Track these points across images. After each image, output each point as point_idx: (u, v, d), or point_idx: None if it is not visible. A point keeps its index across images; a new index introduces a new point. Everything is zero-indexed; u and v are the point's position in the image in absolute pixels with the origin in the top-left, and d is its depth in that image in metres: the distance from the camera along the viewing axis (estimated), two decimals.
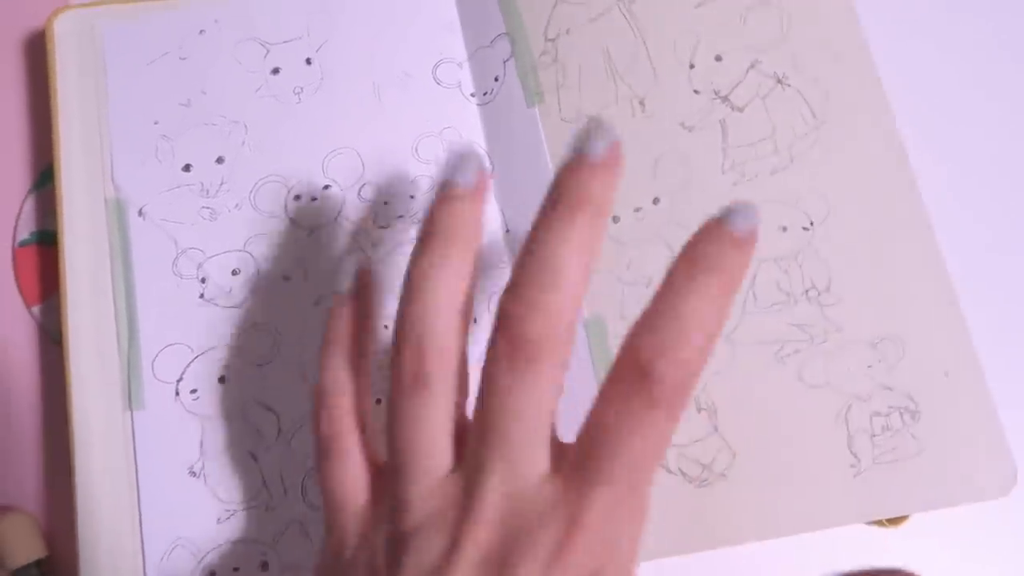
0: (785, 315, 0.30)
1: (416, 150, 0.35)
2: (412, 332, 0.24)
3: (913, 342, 0.29)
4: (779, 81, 0.31)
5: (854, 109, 0.30)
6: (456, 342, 0.25)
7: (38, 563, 0.32)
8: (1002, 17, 0.33)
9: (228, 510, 0.32)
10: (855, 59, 0.31)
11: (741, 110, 0.31)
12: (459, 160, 0.26)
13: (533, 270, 0.23)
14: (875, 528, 0.28)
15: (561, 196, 0.23)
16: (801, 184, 0.30)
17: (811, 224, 0.30)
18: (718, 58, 0.32)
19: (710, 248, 0.22)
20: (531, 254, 0.23)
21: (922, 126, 0.31)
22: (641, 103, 0.33)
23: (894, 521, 0.28)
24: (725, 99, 0.32)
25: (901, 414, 0.28)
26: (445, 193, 0.26)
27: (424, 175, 0.35)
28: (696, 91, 0.32)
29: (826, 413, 0.29)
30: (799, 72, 0.31)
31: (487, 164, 0.29)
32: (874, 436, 0.28)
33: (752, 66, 0.32)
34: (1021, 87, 0.33)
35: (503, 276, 0.34)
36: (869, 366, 0.29)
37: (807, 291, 0.30)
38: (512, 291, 0.23)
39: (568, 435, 0.30)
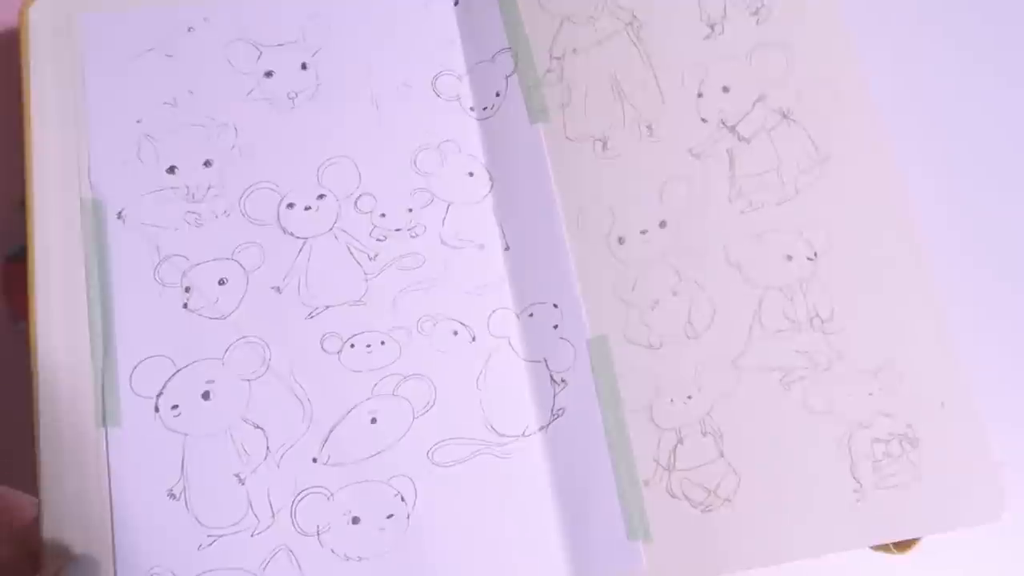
0: (790, 342, 0.30)
1: (415, 162, 0.34)
2: None
3: (910, 372, 0.30)
4: (784, 116, 0.32)
5: (855, 145, 0.31)
6: None
7: None
8: (1003, 46, 0.35)
9: (211, 536, 0.30)
10: (856, 97, 0.32)
11: (748, 141, 0.32)
12: None
13: None
14: (883, 554, 0.29)
15: None
16: (805, 216, 0.31)
17: (815, 255, 0.31)
18: (725, 89, 0.32)
19: None
20: None
21: (923, 159, 0.32)
22: (649, 127, 0.33)
23: (901, 547, 0.29)
24: (732, 129, 0.32)
25: (900, 441, 0.29)
26: None
27: (422, 188, 0.34)
28: (704, 119, 0.32)
29: (829, 439, 0.29)
30: (803, 108, 0.32)
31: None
32: (876, 462, 0.29)
33: (759, 99, 0.32)
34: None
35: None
36: (870, 393, 0.30)
37: (811, 319, 0.30)
38: None
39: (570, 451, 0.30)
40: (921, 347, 0.30)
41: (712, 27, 0.33)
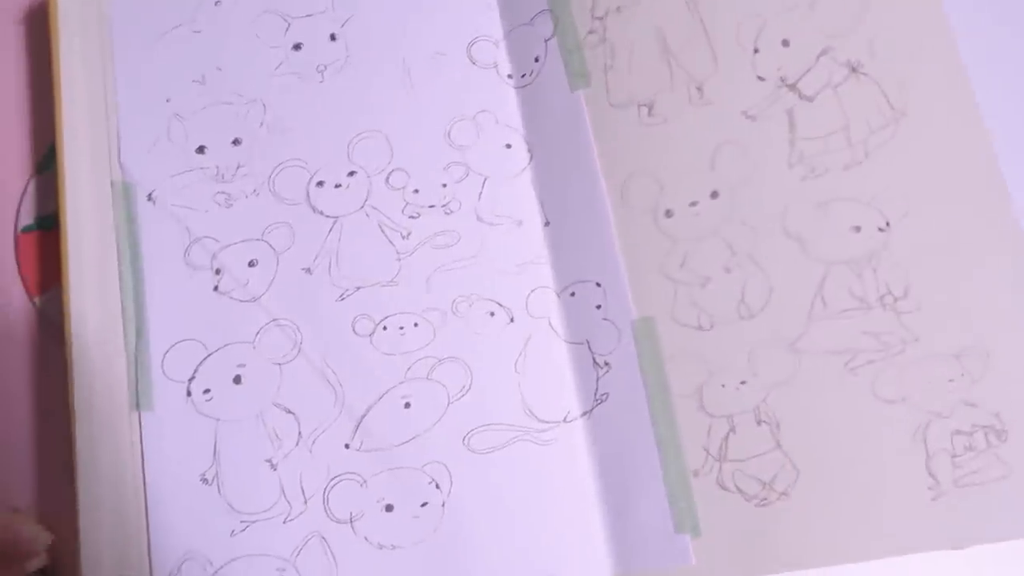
0: (857, 323, 0.27)
1: (449, 135, 0.33)
2: None
3: (1000, 355, 0.26)
4: (853, 69, 0.29)
5: (936, 101, 0.28)
6: None
7: (40, 572, 0.29)
8: None
9: (243, 521, 0.30)
10: (938, 47, 0.28)
11: (811, 100, 0.29)
12: None
13: None
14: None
15: None
16: (877, 181, 0.28)
17: (887, 224, 0.27)
18: (785, 43, 0.29)
19: None
20: None
21: (1010, 120, 0.28)
22: (699, 89, 0.30)
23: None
24: (793, 87, 0.29)
25: (986, 433, 0.26)
26: None
27: (458, 162, 0.32)
28: (760, 78, 0.29)
29: (902, 430, 0.26)
30: (876, 60, 0.28)
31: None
32: (955, 456, 0.26)
33: (824, 52, 0.29)
34: None
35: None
36: (950, 380, 0.26)
37: (882, 297, 0.27)
38: None
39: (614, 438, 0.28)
40: (1012, 327, 0.26)
41: None
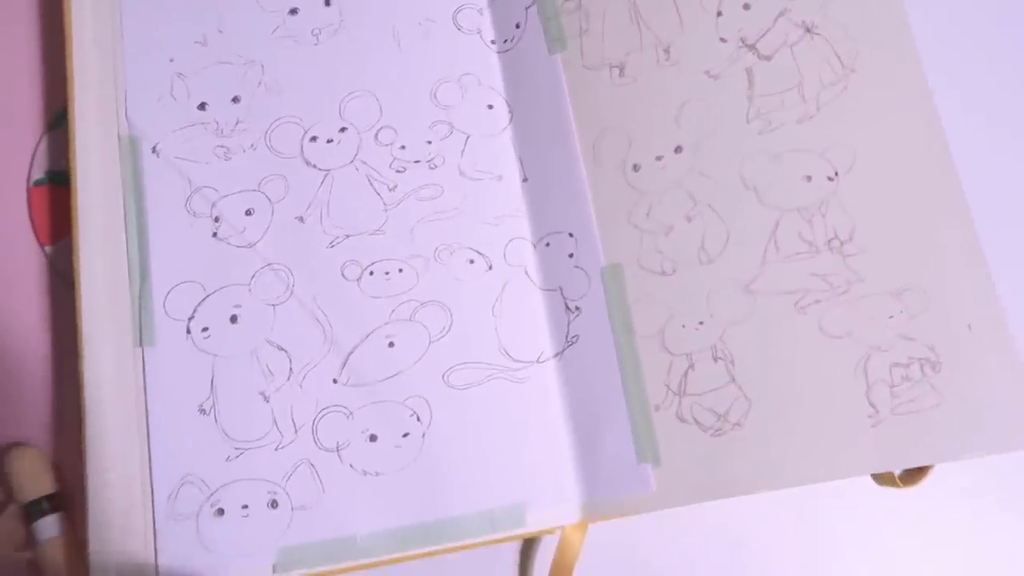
0: (807, 265, 0.29)
1: (435, 95, 0.35)
2: None
3: (937, 293, 0.28)
4: (808, 30, 0.31)
5: (884, 59, 0.30)
6: None
7: (49, 497, 0.32)
8: None
9: (237, 448, 0.32)
10: (886, 8, 0.30)
11: (768, 59, 0.31)
12: None
13: None
14: (889, 488, 0.28)
15: None
16: (828, 133, 0.30)
17: (836, 174, 0.30)
18: (746, 6, 0.32)
19: None
20: None
21: (952, 75, 0.30)
22: (666, 51, 0.32)
23: (907, 480, 0.28)
24: (752, 47, 0.31)
25: (922, 365, 0.28)
26: None
27: (442, 120, 0.35)
28: (723, 39, 0.32)
29: (845, 363, 0.29)
30: (829, 20, 0.31)
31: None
32: (893, 387, 0.28)
33: (781, 14, 0.31)
34: None
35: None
36: (891, 316, 0.28)
37: (830, 241, 0.29)
38: None
39: (583, 376, 0.30)
40: (949, 267, 0.29)
41: None
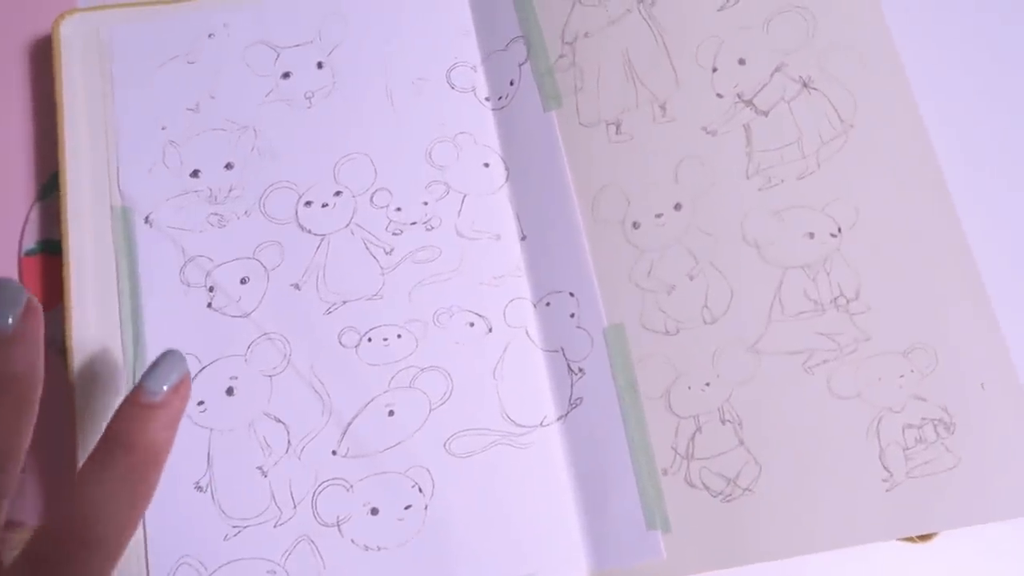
0: (813, 324, 0.30)
1: (430, 155, 0.36)
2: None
3: (946, 352, 0.29)
4: (805, 84, 0.31)
5: (883, 113, 0.31)
6: None
7: None
8: None
9: (235, 526, 0.32)
10: (883, 62, 0.31)
11: (766, 114, 0.32)
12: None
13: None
14: (905, 544, 0.28)
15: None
16: (829, 189, 0.31)
17: (839, 230, 0.30)
18: (741, 61, 0.32)
19: (125, 424, 0.25)
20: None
21: (953, 130, 0.31)
22: (662, 107, 0.33)
23: (924, 537, 0.28)
24: (749, 103, 0.32)
25: (935, 426, 0.28)
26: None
27: (438, 180, 0.35)
28: (719, 95, 0.32)
29: (857, 425, 0.29)
30: (826, 75, 0.31)
31: (33, 302, 0.27)
32: (907, 449, 0.28)
33: (777, 69, 0.32)
34: None
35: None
36: (901, 376, 0.29)
37: (835, 299, 0.30)
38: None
39: (589, 440, 0.30)
40: (958, 324, 0.29)
41: None
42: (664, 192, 0.32)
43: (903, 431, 0.28)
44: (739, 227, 0.31)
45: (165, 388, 0.26)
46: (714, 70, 0.32)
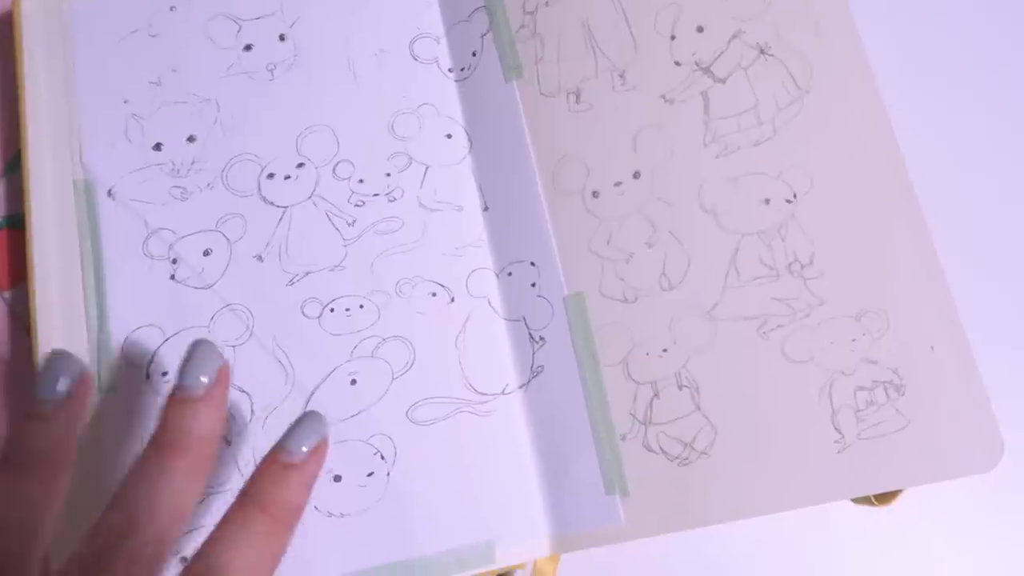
0: (768, 290, 0.31)
1: (392, 127, 0.37)
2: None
3: (898, 315, 0.30)
4: (762, 51, 0.32)
5: (838, 79, 0.32)
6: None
7: None
8: None
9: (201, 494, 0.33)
10: (839, 28, 0.32)
11: (723, 81, 0.33)
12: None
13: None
14: (864, 507, 0.29)
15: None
16: (784, 156, 0.32)
17: (794, 196, 0.31)
18: (700, 29, 0.33)
19: (262, 483, 0.27)
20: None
21: (907, 97, 0.32)
22: (621, 76, 0.34)
23: (882, 499, 0.29)
24: (707, 70, 0.33)
25: (886, 388, 0.29)
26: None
27: (400, 152, 0.36)
28: (677, 63, 0.33)
29: (810, 388, 0.30)
30: (782, 42, 0.32)
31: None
32: (858, 411, 0.29)
33: (735, 36, 0.33)
34: (1010, 61, 0.34)
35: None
36: (853, 340, 0.30)
37: (790, 265, 0.31)
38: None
39: (549, 407, 0.31)
40: (909, 288, 0.30)
41: None
42: (623, 161, 0.33)
43: (855, 394, 0.29)
44: (696, 195, 0.32)
45: (304, 450, 0.27)
46: (672, 38, 0.33)
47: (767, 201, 0.31)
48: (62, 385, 0.27)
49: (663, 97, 0.33)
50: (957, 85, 0.34)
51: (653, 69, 0.33)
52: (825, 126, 0.31)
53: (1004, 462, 0.28)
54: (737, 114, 0.32)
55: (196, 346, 0.28)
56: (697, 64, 0.33)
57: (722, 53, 0.33)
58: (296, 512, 0.27)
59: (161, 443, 0.27)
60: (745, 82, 0.32)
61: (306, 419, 0.28)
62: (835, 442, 0.29)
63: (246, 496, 0.27)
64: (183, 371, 0.28)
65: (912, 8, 0.33)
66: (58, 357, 0.27)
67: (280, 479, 0.27)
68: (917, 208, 0.30)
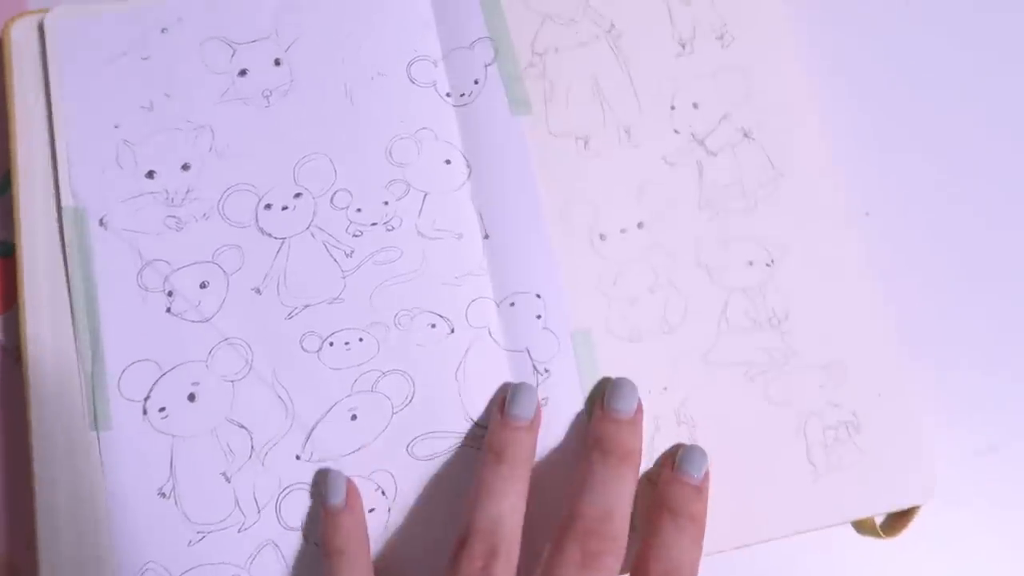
0: (752, 339, 0.38)
1: (390, 153, 0.39)
2: (486, 530, 0.34)
3: (853, 366, 0.38)
4: (746, 135, 0.40)
5: (806, 166, 0.39)
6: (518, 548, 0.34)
7: None
8: (938, 80, 0.44)
9: (199, 532, 0.35)
10: (807, 123, 0.40)
11: (715, 155, 0.40)
12: (520, 394, 0.36)
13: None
14: (872, 539, 0.37)
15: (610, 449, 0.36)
16: (764, 226, 0.39)
17: (772, 261, 0.39)
18: (695, 105, 0.40)
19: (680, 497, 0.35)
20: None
21: (868, 180, 0.40)
22: (627, 132, 0.39)
23: (890, 532, 0.37)
24: (701, 143, 0.40)
25: (847, 427, 0.37)
26: (509, 423, 0.36)
27: (399, 179, 0.39)
28: (676, 131, 0.39)
29: (788, 427, 0.37)
30: (761, 129, 0.40)
31: (540, 399, 0.37)
32: (827, 447, 0.37)
33: (724, 117, 0.40)
34: (954, 140, 0.43)
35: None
36: (821, 386, 0.38)
37: (770, 319, 0.38)
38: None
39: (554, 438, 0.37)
40: (863, 344, 0.38)
41: (683, 46, 0.40)
42: (628, 210, 0.39)
43: (824, 432, 0.37)
44: (693, 250, 0.38)
45: (701, 475, 0.36)
46: (672, 108, 0.40)
47: (751, 263, 0.38)
48: (531, 409, 0.36)
49: (664, 159, 0.39)
50: (909, 164, 0.43)
51: (655, 132, 0.39)
52: (794, 205, 0.39)
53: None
54: (726, 184, 0.39)
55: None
56: (693, 136, 0.39)
57: (713, 130, 0.40)
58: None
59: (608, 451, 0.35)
60: (733, 158, 0.39)
61: (695, 451, 0.36)
62: (809, 474, 0.37)
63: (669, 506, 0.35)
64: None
65: (875, 103, 0.41)
66: (530, 386, 0.37)
67: (694, 497, 0.35)
68: (870, 275, 0.38)
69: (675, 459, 0.36)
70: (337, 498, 0.35)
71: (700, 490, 0.35)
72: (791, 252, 0.39)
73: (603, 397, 0.36)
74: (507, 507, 0.34)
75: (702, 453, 0.36)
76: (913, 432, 0.37)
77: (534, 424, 0.36)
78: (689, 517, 0.34)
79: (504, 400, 0.36)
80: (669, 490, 0.35)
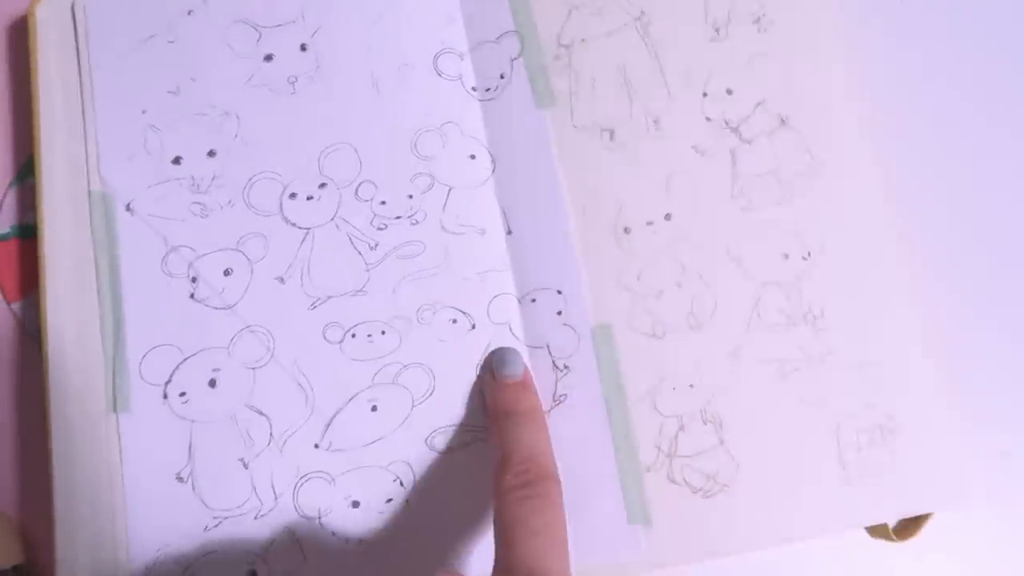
0: (786, 336, 0.40)
1: (415, 146, 0.42)
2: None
3: (890, 368, 0.40)
4: (783, 122, 0.42)
5: (846, 156, 0.41)
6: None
7: (15, 568, 0.37)
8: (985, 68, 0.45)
9: (216, 517, 0.38)
10: (847, 111, 0.42)
11: (749, 143, 0.42)
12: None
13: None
14: (884, 542, 0.38)
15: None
16: (800, 217, 0.41)
17: (809, 255, 0.40)
18: (729, 91, 0.42)
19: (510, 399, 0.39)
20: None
21: (908, 170, 0.42)
22: (655, 122, 0.41)
23: (902, 535, 0.39)
24: (735, 130, 0.42)
25: (881, 431, 0.39)
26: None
27: (423, 172, 0.42)
28: (708, 118, 0.42)
29: (821, 428, 0.39)
30: (800, 116, 0.42)
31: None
32: (860, 450, 0.39)
33: (759, 104, 0.42)
34: (995, 137, 0.44)
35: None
36: (856, 386, 0.40)
37: (805, 315, 0.40)
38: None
39: (573, 436, 0.38)
40: (901, 345, 0.40)
41: (717, 30, 0.43)
42: (655, 202, 0.41)
43: (857, 434, 0.39)
44: (723, 242, 0.41)
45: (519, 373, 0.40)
46: (704, 95, 0.42)
47: (786, 256, 0.40)
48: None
49: (695, 148, 0.41)
50: (952, 161, 0.44)
51: (686, 120, 0.42)
52: (834, 196, 0.41)
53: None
54: (761, 174, 0.41)
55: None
56: (726, 123, 0.42)
57: (748, 117, 0.42)
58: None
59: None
60: (768, 146, 0.42)
61: (508, 351, 0.40)
62: (840, 477, 0.38)
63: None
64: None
65: (918, 75, 0.43)
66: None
67: (521, 394, 0.40)
68: (911, 275, 0.40)
69: (491, 366, 0.40)
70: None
71: (526, 385, 0.40)
72: (829, 246, 0.41)
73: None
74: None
75: (515, 352, 0.40)
76: (947, 437, 0.39)
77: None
78: (524, 414, 0.38)
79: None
80: (499, 396, 0.39)
